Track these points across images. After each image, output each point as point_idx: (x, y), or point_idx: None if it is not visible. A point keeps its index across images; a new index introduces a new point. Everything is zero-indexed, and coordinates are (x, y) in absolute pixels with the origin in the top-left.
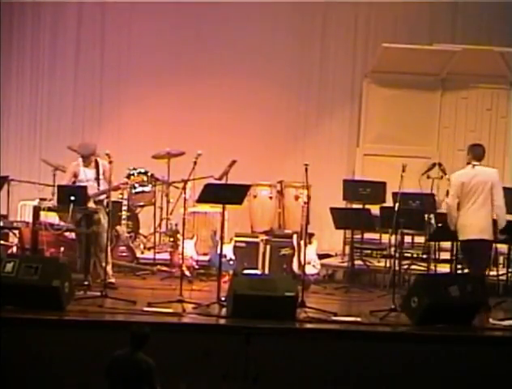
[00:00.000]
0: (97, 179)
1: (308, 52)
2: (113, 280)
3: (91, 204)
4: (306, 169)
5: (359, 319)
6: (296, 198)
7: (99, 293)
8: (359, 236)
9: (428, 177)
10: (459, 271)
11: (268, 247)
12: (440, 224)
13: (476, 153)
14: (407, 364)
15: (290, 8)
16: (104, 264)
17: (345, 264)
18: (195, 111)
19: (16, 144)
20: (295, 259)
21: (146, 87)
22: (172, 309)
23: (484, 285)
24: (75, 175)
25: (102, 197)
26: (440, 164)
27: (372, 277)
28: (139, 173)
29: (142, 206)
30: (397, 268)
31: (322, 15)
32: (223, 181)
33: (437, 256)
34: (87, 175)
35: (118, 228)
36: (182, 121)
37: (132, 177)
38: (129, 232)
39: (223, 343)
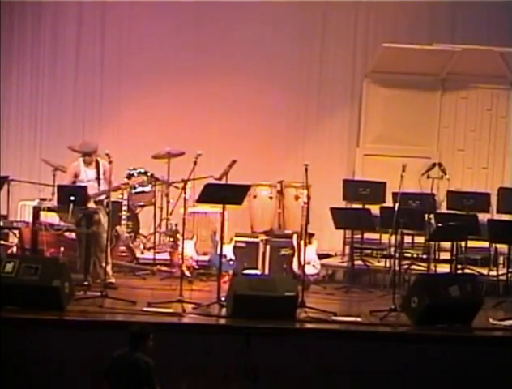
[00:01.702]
0: (98, 179)
1: (308, 52)
2: (112, 280)
3: (91, 204)
4: (306, 169)
5: (359, 319)
6: (296, 198)
7: (99, 293)
8: (359, 236)
9: (428, 177)
10: (459, 271)
11: (268, 247)
12: (440, 224)
13: None
14: (407, 364)
15: (290, 8)
16: (104, 264)
17: (345, 264)
18: (195, 111)
19: (16, 144)
20: (295, 259)
21: (146, 87)
22: (172, 309)
23: None
24: (76, 175)
25: (102, 197)
26: (440, 164)
27: (372, 277)
28: (139, 173)
29: (142, 206)
30: (397, 268)
31: (322, 15)
32: (223, 181)
33: (437, 256)
34: (88, 175)
35: (118, 228)
36: (182, 121)
37: (133, 177)
38: (129, 233)
39: (223, 343)
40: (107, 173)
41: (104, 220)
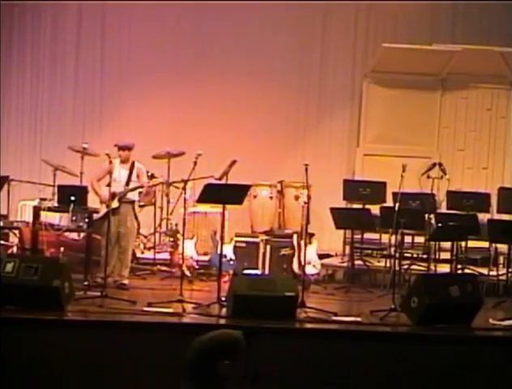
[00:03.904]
0: (128, 181)
1: (308, 52)
2: (126, 282)
3: (115, 203)
4: (306, 169)
5: (359, 319)
6: (296, 198)
7: (99, 293)
8: (359, 236)
9: (428, 177)
10: (459, 271)
11: (268, 247)
12: (440, 224)
13: None
14: (407, 364)
15: (290, 8)
16: (123, 266)
17: (345, 264)
18: (195, 111)
19: (16, 144)
20: (295, 259)
21: (146, 87)
22: (173, 309)
23: None
24: (110, 173)
25: (130, 197)
26: (440, 164)
27: (372, 277)
28: None
29: (142, 206)
30: (397, 268)
31: (322, 15)
32: (223, 181)
33: (437, 256)
34: (121, 175)
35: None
36: (182, 121)
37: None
38: None
39: None
40: (141, 176)
41: (130, 222)
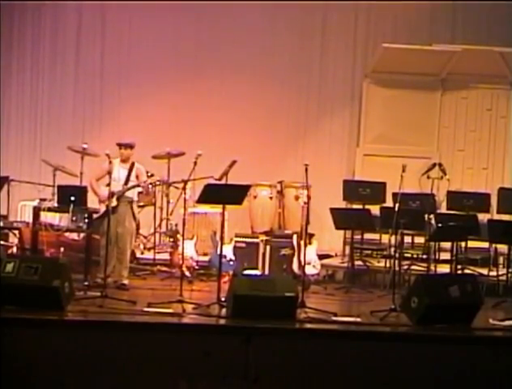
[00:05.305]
0: (127, 180)
1: (308, 52)
2: (126, 282)
3: (114, 202)
4: (306, 169)
5: (359, 319)
6: (296, 198)
7: (99, 293)
8: (359, 236)
9: (428, 177)
10: (459, 271)
11: (268, 247)
12: (440, 225)
13: None
14: (407, 364)
15: (290, 8)
16: (122, 267)
17: (345, 264)
18: (195, 111)
19: (16, 144)
20: (295, 259)
21: (146, 87)
22: (172, 309)
23: None
24: (109, 173)
25: (128, 196)
26: (440, 164)
27: (372, 277)
28: None
29: (142, 206)
30: (397, 268)
31: (322, 15)
32: (223, 182)
33: (437, 256)
34: (120, 174)
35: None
36: (182, 120)
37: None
38: None
39: (223, 343)
40: (141, 176)
41: (128, 223)
